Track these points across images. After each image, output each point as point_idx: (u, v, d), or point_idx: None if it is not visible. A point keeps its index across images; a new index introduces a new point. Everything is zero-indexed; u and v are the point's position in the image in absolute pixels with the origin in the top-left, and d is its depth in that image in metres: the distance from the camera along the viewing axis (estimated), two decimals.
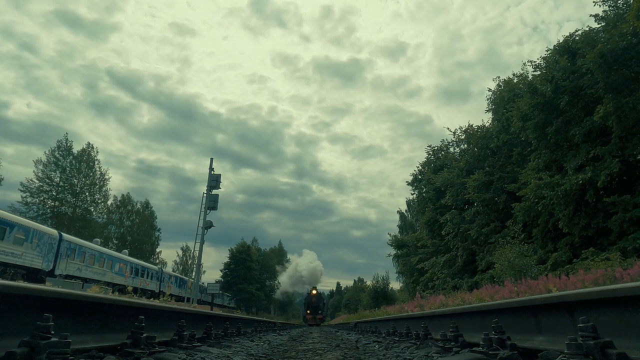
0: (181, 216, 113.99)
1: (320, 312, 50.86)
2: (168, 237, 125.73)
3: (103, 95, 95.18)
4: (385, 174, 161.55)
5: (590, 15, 16.57)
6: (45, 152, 43.38)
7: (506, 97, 22.88)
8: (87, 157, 45.63)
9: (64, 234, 23.86)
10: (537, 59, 18.43)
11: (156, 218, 61.25)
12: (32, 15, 78.57)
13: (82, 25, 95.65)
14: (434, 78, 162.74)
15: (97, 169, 46.78)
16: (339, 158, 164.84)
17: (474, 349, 3.63)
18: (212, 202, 22.59)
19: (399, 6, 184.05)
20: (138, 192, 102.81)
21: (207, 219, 22.37)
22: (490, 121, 26.03)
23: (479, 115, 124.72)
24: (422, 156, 53.19)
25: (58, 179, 42.82)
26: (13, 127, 63.52)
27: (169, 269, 60.99)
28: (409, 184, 35.27)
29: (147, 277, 36.07)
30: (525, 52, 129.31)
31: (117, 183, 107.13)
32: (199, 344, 4.78)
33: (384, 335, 8.63)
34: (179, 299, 35.76)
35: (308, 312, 51.49)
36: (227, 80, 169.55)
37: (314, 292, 52.77)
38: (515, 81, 23.26)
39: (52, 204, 42.40)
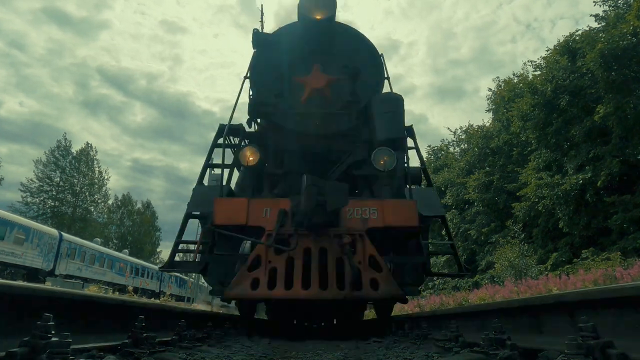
0: (178, 215, 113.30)
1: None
2: (165, 236, 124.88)
3: (95, 93, 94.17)
4: None
5: (591, 15, 16.64)
6: (45, 152, 43.49)
7: (506, 97, 22.91)
8: (86, 156, 45.72)
9: (64, 234, 23.88)
10: (538, 58, 18.50)
11: (157, 218, 61.44)
12: (20, 12, 78.10)
13: (71, 22, 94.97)
14: (427, 76, 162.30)
15: (96, 168, 46.93)
16: None
17: (474, 349, 3.63)
18: None
19: (391, 3, 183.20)
20: (134, 192, 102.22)
21: None
22: (490, 121, 26.08)
23: (473, 114, 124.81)
24: None
25: (58, 179, 42.90)
26: (5, 126, 63.35)
27: None
28: None
29: (147, 277, 36.09)
30: (519, 50, 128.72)
31: (112, 182, 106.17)
32: (199, 343, 4.79)
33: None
34: (179, 298, 35.78)
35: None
36: (220, 78, 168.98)
37: (318, 16, 5.50)
38: (515, 81, 23.30)
39: (52, 203, 42.45)
